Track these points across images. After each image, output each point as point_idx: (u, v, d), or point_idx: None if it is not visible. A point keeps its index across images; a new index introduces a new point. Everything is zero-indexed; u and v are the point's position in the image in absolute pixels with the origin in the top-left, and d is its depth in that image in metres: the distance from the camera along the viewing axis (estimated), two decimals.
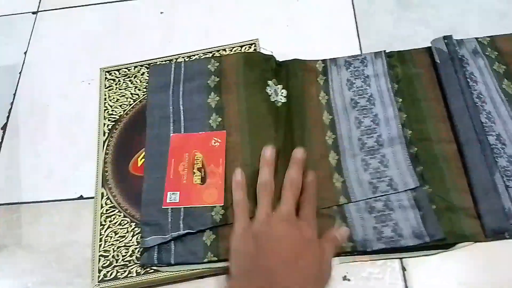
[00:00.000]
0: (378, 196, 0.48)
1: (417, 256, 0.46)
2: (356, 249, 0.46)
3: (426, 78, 0.55)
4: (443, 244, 0.45)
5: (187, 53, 0.59)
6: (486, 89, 0.53)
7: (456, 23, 0.60)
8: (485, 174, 0.47)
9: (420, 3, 0.63)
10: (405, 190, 0.48)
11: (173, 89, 0.56)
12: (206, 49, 0.59)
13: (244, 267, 0.41)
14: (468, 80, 0.53)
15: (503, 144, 0.49)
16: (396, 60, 0.57)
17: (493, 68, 0.54)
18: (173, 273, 0.46)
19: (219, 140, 0.51)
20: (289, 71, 0.57)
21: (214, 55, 0.58)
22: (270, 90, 0.54)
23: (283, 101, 0.54)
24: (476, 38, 0.56)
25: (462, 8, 0.61)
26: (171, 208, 0.48)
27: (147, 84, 0.58)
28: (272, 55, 0.57)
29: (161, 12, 0.69)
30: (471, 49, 0.56)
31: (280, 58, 0.59)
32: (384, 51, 0.57)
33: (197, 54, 0.59)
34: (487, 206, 0.46)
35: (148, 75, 0.58)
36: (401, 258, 0.47)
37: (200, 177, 0.49)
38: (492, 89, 0.53)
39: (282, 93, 0.55)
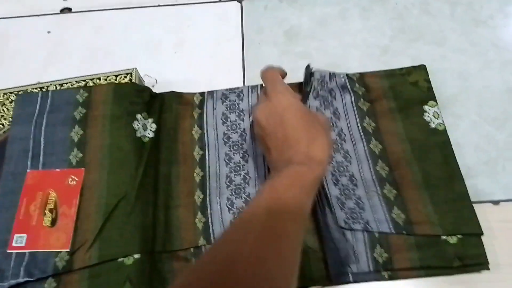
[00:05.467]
0: None
1: None
2: None
3: None
4: None
5: (59, 80, 0.56)
6: (347, 126, 0.53)
7: (338, 57, 0.60)
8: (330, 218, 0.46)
9: (306, 36, 0.62)
10: None
11: (36, 120, 0.52)
12: (80, 77, 0.56)
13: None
14: (332, 116, 0.53)
15: (355, 185, 0.49)
16: None
17: (358, 105, 0.54)
18: None
19: (76, 179, 0.49)
20: (164, 104, 0.55)
21: (86, 85, 0.55)
22: (137, 125, 0.52)
23: (150, 136, 0.52)
24: (347, 74, 0.56)
25: (346, 43, 0.61)
26: (16, 252, 0.46)
27: None
28: (146, 87, 0.55)
29: (48, 32, 0.66)
30: (340, 84, 0.55)
31: (164, 86, 0.58)
32: (261, 85, 0.56)
33: (70, 82, 0.56)
34: (329, 250, 0.45)
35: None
36: None
37: (50, 219, 0.47)
38: (354, 126, 0.53)
39: (151, 127, 0.53)
